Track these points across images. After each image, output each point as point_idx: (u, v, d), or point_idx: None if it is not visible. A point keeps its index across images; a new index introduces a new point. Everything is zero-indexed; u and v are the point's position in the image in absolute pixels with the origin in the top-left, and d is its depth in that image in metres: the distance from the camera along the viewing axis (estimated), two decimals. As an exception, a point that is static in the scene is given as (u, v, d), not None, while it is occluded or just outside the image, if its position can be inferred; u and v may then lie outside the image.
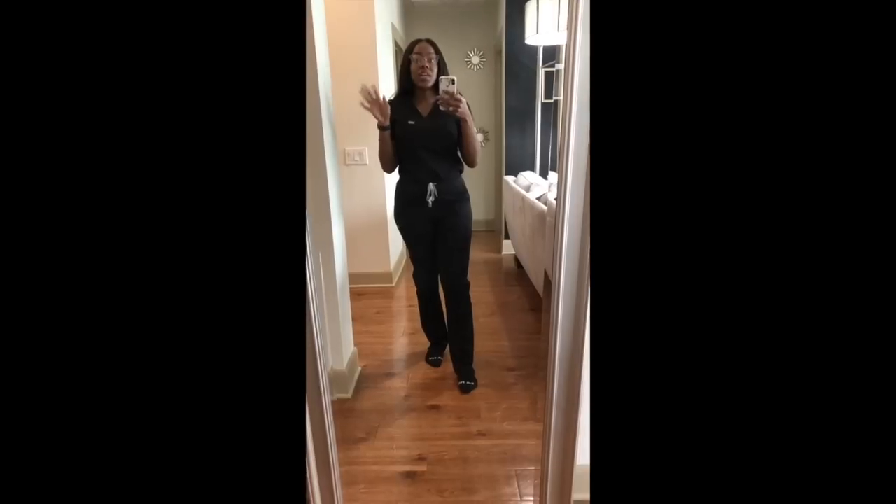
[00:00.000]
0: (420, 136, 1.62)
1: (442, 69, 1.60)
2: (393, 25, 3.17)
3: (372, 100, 1.55)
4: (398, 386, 1.85)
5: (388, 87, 2.75)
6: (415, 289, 1.92)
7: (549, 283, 0.99)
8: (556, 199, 0.93)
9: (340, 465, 1.14)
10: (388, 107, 1.57)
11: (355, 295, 2.25)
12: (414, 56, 1.58)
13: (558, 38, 2.74)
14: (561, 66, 2.53)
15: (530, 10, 2.75)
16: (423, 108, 1.64)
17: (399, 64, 1.87)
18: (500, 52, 3.64)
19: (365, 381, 1.88)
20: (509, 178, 3.24)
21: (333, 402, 1.71)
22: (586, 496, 1.21)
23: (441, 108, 1.53)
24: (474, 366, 1.86)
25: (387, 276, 2.97)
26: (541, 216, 2.20)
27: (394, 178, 1.79)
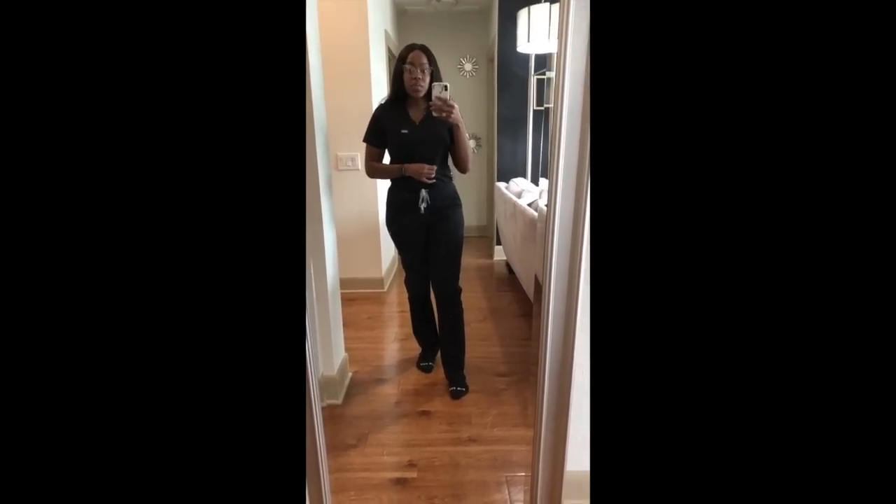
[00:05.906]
0: (413, 144, 1.63)
1: (435, 78, 1.60)
2: (386, 32, 3.19)
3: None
4: (389, 392, 1.84)
5: (379, 93, 2.76)
6: (406, 294, 1.92)
7: (539, 289, 0.99)
8: (546, 205, 0.94)
9: (330, 472, 1.13)
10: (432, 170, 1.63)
11: (346, 300, 2.24)
12: (407, 66, 1.58)
13: (549, 46, 2.77)
14: (552, 74, 2.56)
15: (522, 18, 2.78)
16: (416, 115, 1.64)
17: (392, 70, 1.88)
18: (492, 60, 3.67)
19: (356, 388, 1.87)
20: (501, 185, 3.25)
21: (324, 409, 1.70)
22: (576, 502, 1.21)
23: (434, 113, 1.54)
24: (465, 371, 1.86)
25: (378, 282, 2.96)
26: (532, 222, 2.21)
27: (385, 183, 1.80)
